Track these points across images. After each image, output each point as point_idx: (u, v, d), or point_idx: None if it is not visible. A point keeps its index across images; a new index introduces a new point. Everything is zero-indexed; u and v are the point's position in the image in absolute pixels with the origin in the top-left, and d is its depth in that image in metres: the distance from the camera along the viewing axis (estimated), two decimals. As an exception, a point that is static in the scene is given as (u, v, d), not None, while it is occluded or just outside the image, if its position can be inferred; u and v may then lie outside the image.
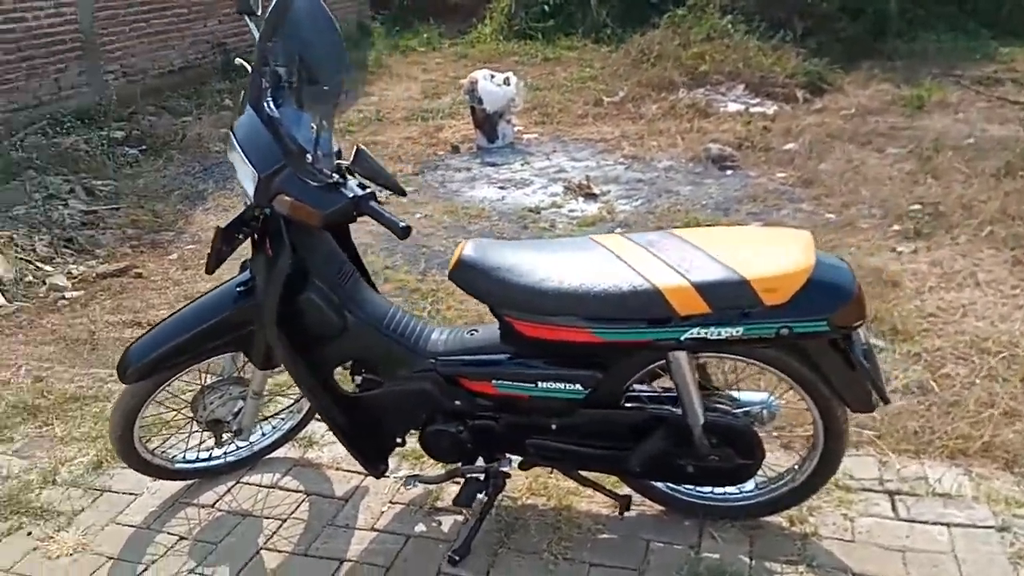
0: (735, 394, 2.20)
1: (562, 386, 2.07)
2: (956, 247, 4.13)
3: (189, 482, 2.54)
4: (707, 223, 4.67)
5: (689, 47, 8.36)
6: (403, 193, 2.05)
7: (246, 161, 2.00)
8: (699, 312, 1.87)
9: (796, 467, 2.24)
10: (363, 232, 4.72)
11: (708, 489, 2.28)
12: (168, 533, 2.36)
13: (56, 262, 4.33)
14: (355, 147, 1.94)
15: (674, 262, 1.92)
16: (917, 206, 4.69)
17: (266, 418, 2.65)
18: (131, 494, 2.53)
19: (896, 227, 4.45)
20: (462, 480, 2.25)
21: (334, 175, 1.93)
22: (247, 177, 2.01)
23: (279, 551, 2.28)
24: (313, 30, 1.96)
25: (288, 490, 2.53)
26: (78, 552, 2.29)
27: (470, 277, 2.03)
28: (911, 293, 3.66)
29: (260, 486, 2.55)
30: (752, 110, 7.14)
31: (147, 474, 2.44)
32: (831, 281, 1.88)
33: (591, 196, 5.37)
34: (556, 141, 6.70)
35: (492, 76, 6.61)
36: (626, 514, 2.31)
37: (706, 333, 1.89)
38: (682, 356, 1.99)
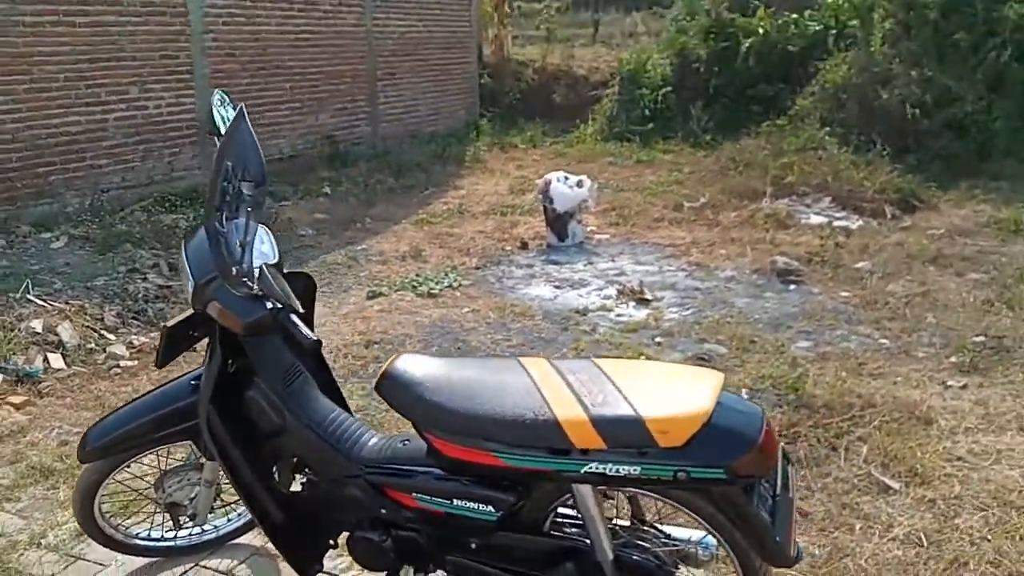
0: (669, 529, 2.13)
1: (476, 506, 2.06)
2: (1010, 386, 3.84)
3: (153, 560, 2.65)
4: (754, 339, 4.55)
5: (780, 157, 8.29)
6: (297, 311, 2.06)
7: (187, 268, 2.15)
8: (595, 447, 1.84)
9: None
10: (407, 324, 4.88)
11: None
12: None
13: (120, 332, 4.67)
14: (260, 268, 2.05)
15: (582, 394, 1.90)
16: (981, 338, 4.41)
17: (231, 503, 2.74)
18: (100, 564, 2.66)
19: (952, 359, 4.19)
20: None
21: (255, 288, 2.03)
22: (188, 282, 2.16)
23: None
24: (250, 150, 2.12)
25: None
26: (31, 617, 2.43)
27: (393, 391, 2.07)
28: (943, 433, 3.42)
29: (216, 571, 2.63)
30: (835, 224, 6.96)
31: (109, 548, 2.56)
32: (732, 428, 1.81)
33: (643, 301, 5.34)
34: (626, 243, 6.73)
35: (566, 178, 6.76)
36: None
37: (604, 469, 1.85)
38: (585, 489, 1.94)
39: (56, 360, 4.26)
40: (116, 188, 6.91)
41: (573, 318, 5.03)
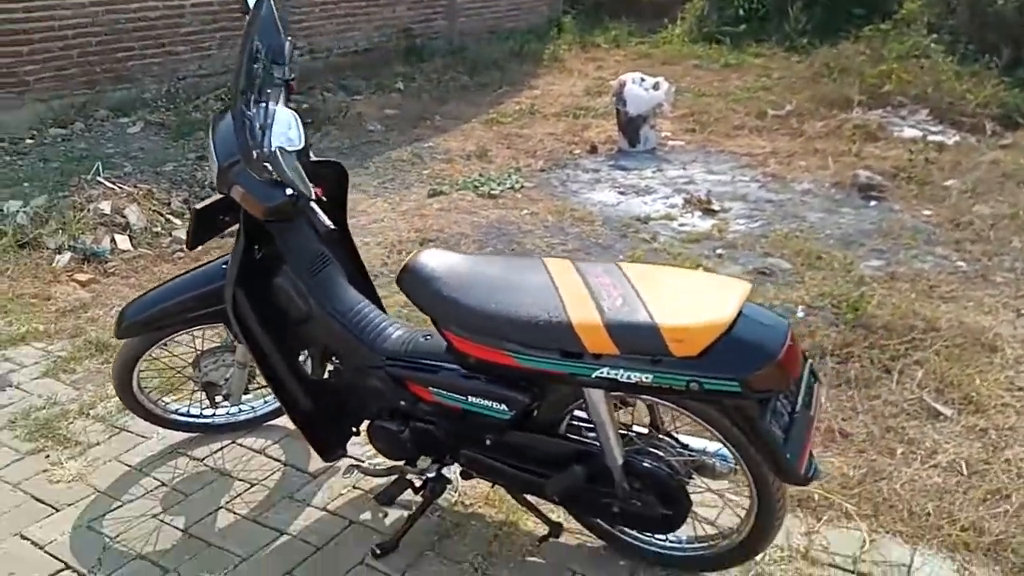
0: (686, 440, 2.08)
1: (490, 404, 2.04)
2: (1093, 318, 3.58)
3: (191, 435, 2.75)
4: (822, 255, 4.36)
5: (879, 64, 7.75)
6: (309, 198, 1.99)
7: (213, 150, 2.14)
8: (608, 352, 1.78)
9: (735, 527, 2.07)
10: (464, 223, 4.85)
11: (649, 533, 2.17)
12: (153, 477, 2.59)
13: (186, 217, 4.78)
14: (274, 152, 2.01)
15: (601, 298, 1.83)
16: (1070, 266, 4.10)
17: (266, 386, 2.80)
18: (143, 437, 2.79)
19: (1033, 287, 3.92)
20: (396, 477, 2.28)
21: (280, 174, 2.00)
22: (213, 164, 2.15)
23: (235, 513, 2.43)
24: (273, 30, 2.06)
25: (271, 458, 2.68)
26: (75, 481, 2.57)
27: (414, 286, 2.04)
28: (1008, 362, 3.23)
29: (249, 449, 2.72)
30: (930, 138, 6.51)
31: (148, 420, 2.67)
32: (750, 340, 1.72)
33: (709, 211, 5.15)
34: (700, 151, 6.47)
35: (642, 79, 6.48)
36: (566, 544, 2.25)
37: (616, 375, 1.80)
38: (597, 394, 1.90)
39: (123, 241, 4.40)
40: (193, 76, 6.98)
41: (634, 225, 4.90)
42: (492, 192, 5.44)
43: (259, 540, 2.32)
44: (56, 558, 2.25)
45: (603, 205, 5.29)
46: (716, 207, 5.21)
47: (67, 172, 5.08)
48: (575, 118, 7.36)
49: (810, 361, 1.96)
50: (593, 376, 1.82)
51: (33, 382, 3.12)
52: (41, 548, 2.29)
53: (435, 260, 2.06)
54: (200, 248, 2.45)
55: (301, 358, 2.36)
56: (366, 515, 2.41)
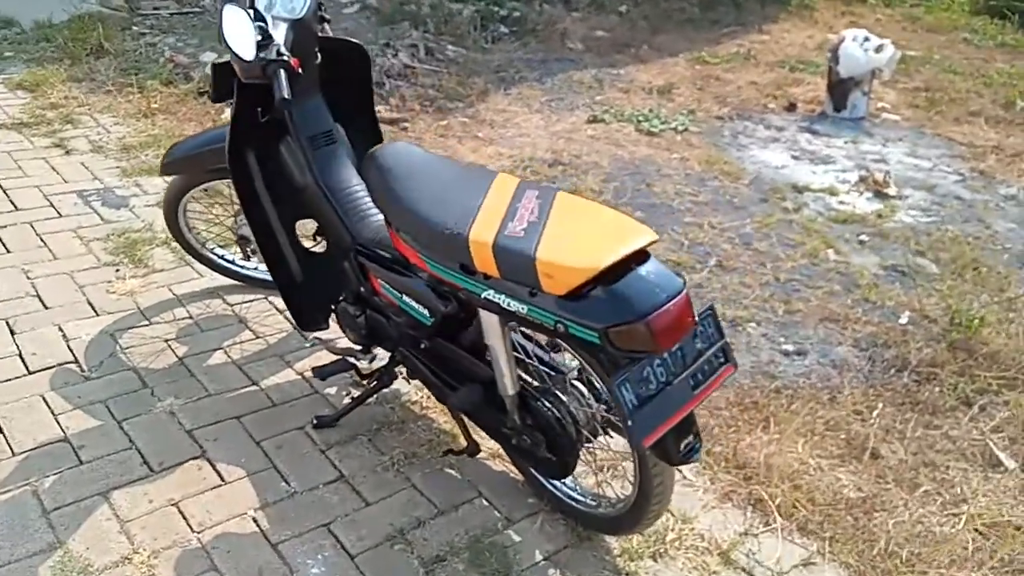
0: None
1: (417, 306, 2.05)
2: None
3: (234, 282, 2.99)
4: (982, 267, 3.80)
5: None
6: (288, 68, 2.02)
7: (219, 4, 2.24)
8: (492, 274, 1.72)
9: (623, 497, 1.96)
10: (605, 154, 4.73)
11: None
12: (185, 309, 2.87)
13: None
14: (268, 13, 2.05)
15: (511, 218, 1.76)
16: None
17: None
18: (198, 275, 3.08)
19: None
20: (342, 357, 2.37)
21: (264, 36, 2.06)
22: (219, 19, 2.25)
23: (228, 356, 2.66)
24: None
25: (287, 320, 2.86)
26: (125, 295, 2.91)
27: (369, 175, 2.06)
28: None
29: (273, 307, 2.93)
30: None
31: (190, 254, 2.94)
32: (622, 293, 1.58)
33: (881, 195, 4.62)
34: (914, 131, 5.76)
35: (866, 39, 5.83)
36: (485, 464, 2.25)
37: (499, 300, 1.73)
38: (489, 317, 1.84)
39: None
40: (419, -31, 7.23)
41: (783, 192, 4.52)
42: (652, 129, 5.23)
43: (231, 383, 2.53)
44: (71, 351, 2.60)
45: (764, 165, 4.91)
46: (892, 191, 4.65)
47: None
48: (790, 71, 6.80)
49: (722, 342, 1.77)
50: (481, 296, 1.77)
51: (145, 209, 3.53)
52: (66, 340, 2.65)
53: (396, 155, 2.05)
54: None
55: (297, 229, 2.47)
56: (331, 390, 2.53)
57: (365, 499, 2.16)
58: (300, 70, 2.09)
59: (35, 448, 2.21)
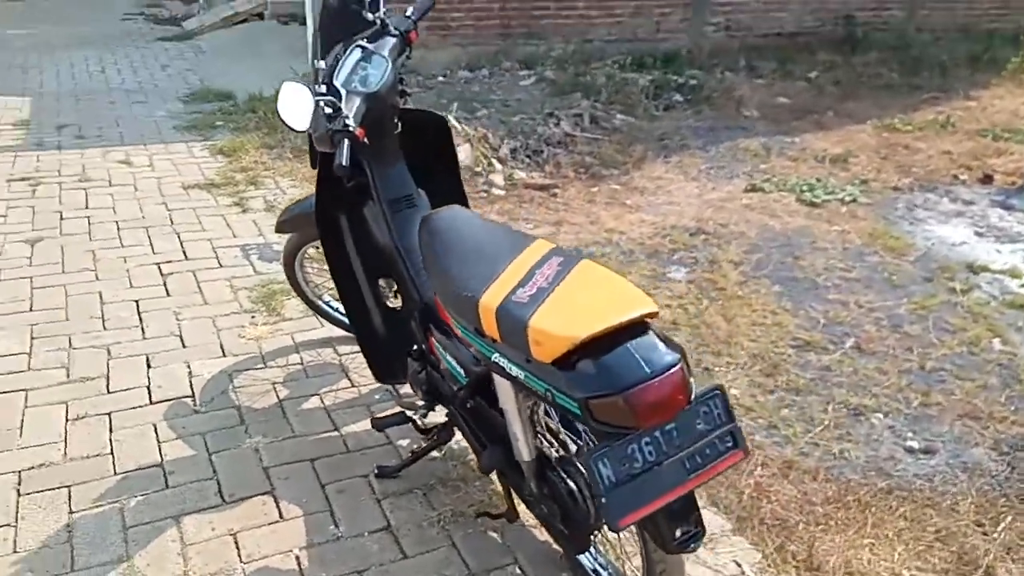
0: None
1: (455, 365, 2.11)
2: None
3: (347, 333, 3.20)
4: None
5: None
6: (352, 137, 2.08)
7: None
8: (494, 337, 1.74)
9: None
10: (756, 225, 4.58)
11: None
12: (299, 354, 3.12)
13: (509, 164, 5.29)
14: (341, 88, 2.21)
15: (526, 283, 1.78)
16: None
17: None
18: (320, 325, 3.32)
19: None
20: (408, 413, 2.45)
21: (335, 109, 2.21)
22: None
23: (321, 401, 2.85)
24: None
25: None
26: (251, 340, 3.21)
27: (422, 238, 2.15)
28: None
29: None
30: None
31: (306, 304, 3.18)
32: (605, 364, 1.54)
33: (1075, 280, 4.09)
34: None
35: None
36: (532, 534, 2.24)
37: (503, 364, 1.75)
38: (502, 381, 1.85)
39: (445, 173, 5.06)
40: (600, 40, 7.43)
41: (953, 271, 4.13)
42: (814, 199, 4.98)
43: (315, 427, 2.70)
44: (191, 386, 2.91)
45: (938, 241, 4.51)
46: (1089, 277, 4.10)
47: (438, 107, 5.91)
48: (993, 139, 6.22)
49: (730, 425, 1.66)
50: (492, 359, 1.79)
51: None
52: (190, 377, 2.97)
53: (445, 219, 2.13)
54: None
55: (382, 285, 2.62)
56: (404, 442, 2.64)
57: (404, 551, 2.21)
58: (366, 140, 2.24)
59: (134, 470, 2.49)
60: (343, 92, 2.24)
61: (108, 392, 2.86)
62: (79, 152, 5.12)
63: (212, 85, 6.71)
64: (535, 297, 1.71)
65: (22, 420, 2.69)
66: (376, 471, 2.47)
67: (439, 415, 2.41)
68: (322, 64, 2.23)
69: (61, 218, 4.26)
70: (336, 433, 2.69)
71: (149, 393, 2.86)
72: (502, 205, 4.79)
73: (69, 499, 2.36)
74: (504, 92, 6.58)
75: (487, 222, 2.20)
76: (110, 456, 2.54)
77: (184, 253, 3.94)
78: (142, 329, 3.26)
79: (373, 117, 2.27)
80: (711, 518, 2.39)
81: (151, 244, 4.01)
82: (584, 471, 1.86)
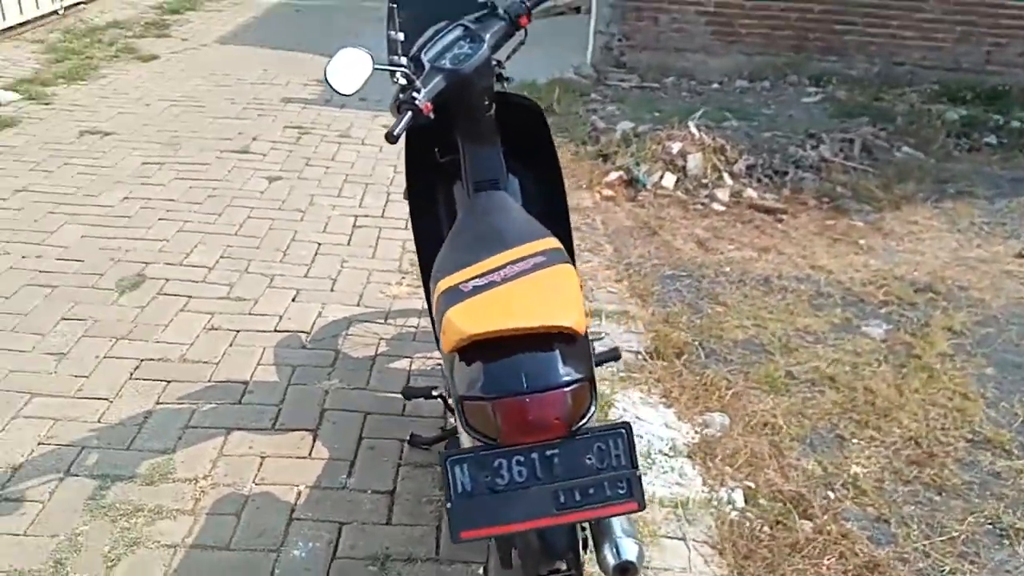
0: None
1: None
2: None
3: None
4: None
5: None
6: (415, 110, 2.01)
7: None
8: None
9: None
10: (1001, 296, 3.87)
11: None
12: (417, 319, 3.23)
13: (741, 180, 4.96)
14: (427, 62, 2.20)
15: (488, 273, 1.69)
16: None
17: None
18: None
19: None
20: None
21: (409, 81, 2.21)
22: None
23: (407, 364, 2.95)
24: None
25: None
26: (387, 298, 3.40)
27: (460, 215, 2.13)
28: None
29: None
30: None
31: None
32: (492, 367, 1.45)
33: None
34: None
35: None
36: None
37: (438, 349, 1.69)
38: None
39: (668, 179, 4.89)
40: (912, 64, 6.59)
41: None
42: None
43: (389, 384, 2.82)
44: (313, 325, 3.16)
45: None
46: None
47: (688, 112, 5.68)
48: None
49: (630, 472, 1.43)
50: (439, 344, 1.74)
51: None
52: (317, 316, 3.22)
53: (480, 202, 2.11)
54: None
55: None
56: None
57: (391, 519, 2.23)
58: (431, 115, 2.22)
59: (223, 381, 2.78)
60: (426, 66, 2.27)
61: (248, 314, 3.21)
62: (354, 112, 5.71)
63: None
64: (478, 288, 1.63)
65: (171, 320, 3.12)
66: (410, 438, 2.50)
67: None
68: (400, 36, 2.27)
69: (306, 164, 4.81)
70: (401, 395, 2.76)
71: (279, 321, 3.16)
72: (713, 222, 4.51)
73: (162, 392, 2.71)
74: (779, 107, 6.14)
75: (517, 212, 2.12)
76: (214, 366, 2.86)
77: (383, 212, 4.25)
78: (308, 268, 3.59)
79: (457, 96, 2.27)
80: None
81: (361, 199, 4.39)
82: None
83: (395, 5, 2.32)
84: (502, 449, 1.44)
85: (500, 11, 2.35)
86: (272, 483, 2.34)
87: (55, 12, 7.89)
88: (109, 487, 2.28)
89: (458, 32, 2.30)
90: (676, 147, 5.05)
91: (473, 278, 1.66)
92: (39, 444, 2.42)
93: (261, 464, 2.41)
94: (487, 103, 2.36)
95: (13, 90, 5.69)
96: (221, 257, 3.64)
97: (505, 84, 2.43)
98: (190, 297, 3.29)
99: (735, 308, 3.60)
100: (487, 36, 2.28)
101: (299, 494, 2.31)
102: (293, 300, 3.33)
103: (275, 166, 4.72)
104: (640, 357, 3.16)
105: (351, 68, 2.13)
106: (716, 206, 4.74)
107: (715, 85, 6.58)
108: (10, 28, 7.16)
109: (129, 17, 8.34)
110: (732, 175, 5.00)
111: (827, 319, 3.57)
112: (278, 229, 3.96)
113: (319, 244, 3.83)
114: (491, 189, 2.37)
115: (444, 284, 1.68)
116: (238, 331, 3.09)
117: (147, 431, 2.52)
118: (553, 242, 1.84)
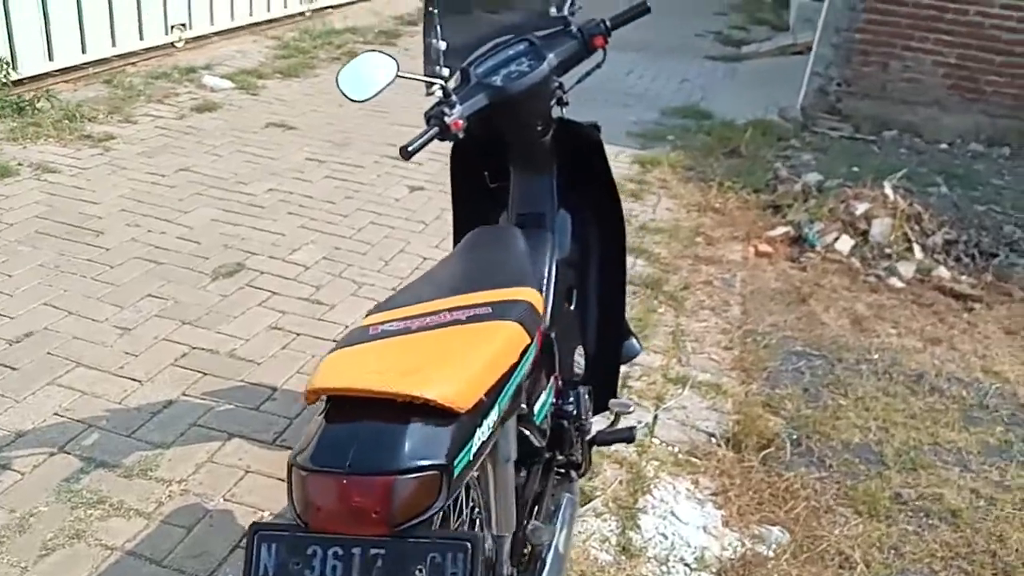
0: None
1: None
2: None
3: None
4: None
5: None
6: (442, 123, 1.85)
7: None
8: None
9: None
10: None
11: None
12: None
13: (933, 257, 4.21)
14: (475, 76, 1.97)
15: (418, 317, 1.45)
16: None
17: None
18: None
19: None
20: None
21: (446, 93, 2.00)
22: None
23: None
24: None
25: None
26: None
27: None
28: None
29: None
30: None
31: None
32: (326, 432, 1.20)
33: None
34: None
35: None
36: None
37: None
38: None
39: (843, 243, 4.26)
40: (979, 114, 5.33)
41: None
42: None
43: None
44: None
45: None
46: None
47: (913, 175, 4.93)
48: None
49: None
50: None
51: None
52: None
53: (483, 235, 1.94)
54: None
55: None
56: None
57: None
58: (460, 134, 1.99)
59: (254, 384, 2.71)
60: (472, 80, 2.04)
61: (317, 319, 3.14)
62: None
63: (703, 104, 6.62)
64: (387, 333, 1.40)
65: (242, 313, 3.12)
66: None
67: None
68: (442, 45, 2.05)
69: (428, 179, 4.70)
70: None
71: (343, 331, 3.06)
72: (881, 298, 3.85)
73: (193, 383, 2.68)
74: (1014, 180, 5.19)
75: (514, 254, 1.83)
76: (256, 366, 2.81)
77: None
78: (400, 282, 3.47)
79: (502, 117, 2.04)
80: None
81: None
82: None
83: (434, 10, 2.10)
84: (320, 536, 1.18)
85: (574, 29, 2.08)
86: (239, 502, 2.21)
87: (302, 13, 8.54)
88: (89, 472, 2.26)
89: (521, 47, 2.08)
90: (861, 208, 4.40)
91: (396, 320, 1.43)
92: (54, 415, 2.47)
93: (241, 479, 2.29)
94: (540, 128, 2.11)
95: (229, 79, 6.17)
96: (323, 258, 3.62)
97: (563, 110, 2.14)
98: (273, 293, 3.29)
99: (862, 404, 3.00)
100: (551, 55, 2.04)
101: (260, 519, 2.16)
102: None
103: (424, 177, 4.68)
104: (713, 441, 2.69)
105: (370, 73, 1.96)
106: (894, 281, 4.05)
107: (943, 145, 5.70)
108: (256, 24, 7.81)
109: (368, 24, 8.83)
110: (924, 248, 4.27)
111: (980, 437, 2.89)
112: (393, 238, 3.89)
113: (424, 259, 3.71)
114: (534, 224, 2.13)
115: (366, 320, 1.46)
116: (298, 335, 3.02)
117: (155, 421, 2.49)
118: (526, 294, 1.58)
